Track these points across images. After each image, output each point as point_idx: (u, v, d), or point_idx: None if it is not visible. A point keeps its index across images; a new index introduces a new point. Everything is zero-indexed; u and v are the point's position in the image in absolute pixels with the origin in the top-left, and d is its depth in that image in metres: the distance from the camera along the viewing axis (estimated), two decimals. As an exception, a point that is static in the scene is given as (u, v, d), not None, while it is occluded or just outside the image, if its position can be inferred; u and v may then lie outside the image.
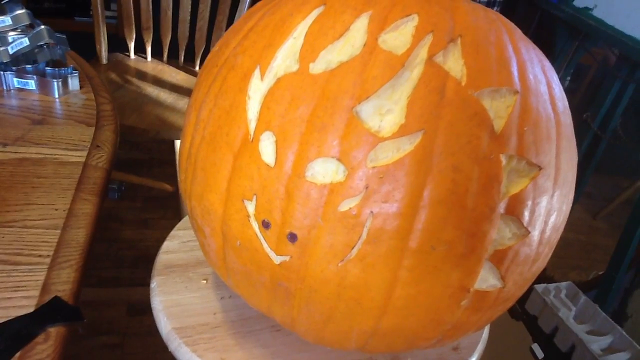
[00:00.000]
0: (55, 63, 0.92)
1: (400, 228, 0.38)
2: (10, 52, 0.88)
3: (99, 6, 1.52)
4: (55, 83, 0.86)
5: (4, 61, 0.87)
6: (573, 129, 0.46)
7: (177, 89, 1.54)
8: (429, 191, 0.38)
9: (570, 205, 0.47)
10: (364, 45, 0.40)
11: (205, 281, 0.60)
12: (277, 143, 0.40)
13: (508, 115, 0.39)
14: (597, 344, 1.35)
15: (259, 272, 0.43)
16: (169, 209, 1.80)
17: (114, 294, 1.47)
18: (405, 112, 0.38)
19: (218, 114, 0.44)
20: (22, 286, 0.53)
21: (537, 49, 0.46)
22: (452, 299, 0.41)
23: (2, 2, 0.94)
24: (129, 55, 1.65)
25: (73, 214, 0.64)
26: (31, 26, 0.92)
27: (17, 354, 0.47)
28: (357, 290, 0.41)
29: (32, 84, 0.86)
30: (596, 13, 1.44)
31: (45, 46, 0.91)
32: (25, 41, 0.88)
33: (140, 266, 1.57)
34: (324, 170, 0.39)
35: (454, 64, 0.39)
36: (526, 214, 0.41)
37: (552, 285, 1.51)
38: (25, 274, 0.55)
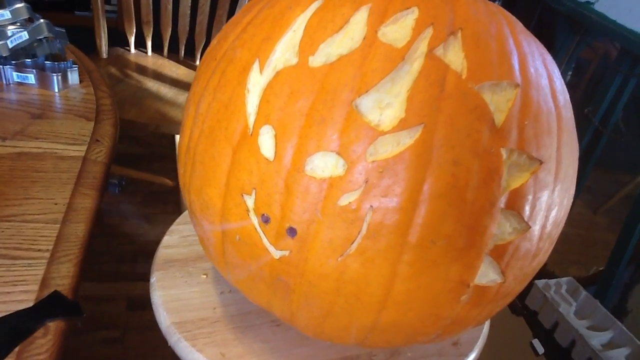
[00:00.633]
0: (54, 57, 0.91)
1: (400, 222, 0.38)
2: (10, 45, 0.87)
3: (98, 0, 1.51)
4: (55, 77, 0.85)
5: (3, 55, 0.87)
6: (574, 123, 0.46)
7: (177, 83, 1.54)
8: (429, 185, 0.38)
9: (572, 199, 0.46)
10: (364, 38, 0.40)
11: (205, 276, 0.60)
12: (276, 137, 0.40)
13: (509, 109, 0.39)
14: (597, 339, 1.35)
15: (258, 267, 0.43)
16: (169, 203, 1.80)
17: (114, 289, 1.47)
18: (405, 105, 0.38)
19: (217, 107, 0.43)
20: (22, 280, 0.53)
21: (538, 42, 0.46)
22: (451, 294, 0.41)
23: (1, -4, 0.93)
24: (129, 50, 1.65)
25: (72, 208, 0.63)
26: (30, 20, 0.91)
27: (16, 349, 0.47)
28: (356, 285, 0.41)
29: (31, 78, 0.86)
30: (597, 7, 1.44)
31: (44, 40, 0.91)
32: (25, 35, 0.88)
33: (140, 261, 1.57)
34: (324, 164, 0.39)
35: (455, 57, 0.39)
36: (527, 208, 0.40)
37: (552, 281, 1.51)
38: (24, 268, 0.55)
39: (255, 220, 0.42)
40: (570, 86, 0.47)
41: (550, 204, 0.42)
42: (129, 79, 1.51)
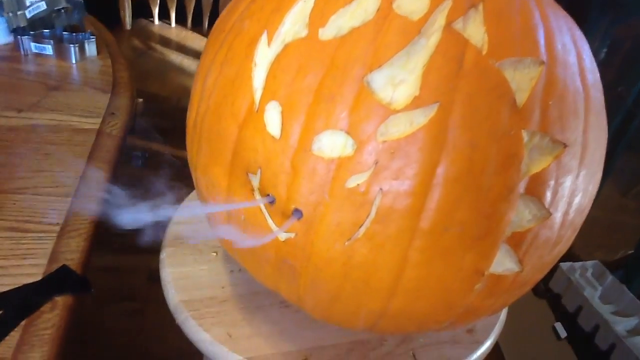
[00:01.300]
0: (72, 28, 0.91)
1: (411, 207, 0.36)
2: (28, 16, 0.86)
3: (122, -29, 1.50)
4: (73, 48, 0.85)
5: (22, 25, 0.86)
6: (604, 104, 0.43)
7: (200, 55, 1.52)
8: (443, 168, 0.35)
9: (598, 185, 0.44)
10: (378, 9, 0.37)
11: (215, 254, 0.59)
12: (283, 114, 0.38)
13: (532, 88, 0.36)
14: (622, 325, 1.32)
15: (264, 249, 0.42)
16: (184, 178, 1.80)
17: (135, 261, 1.49)
18: (420, 82, 0.35)
19: (223, 82, 0.42)
20: (31, 254, 0.53)
21: (567, 16, 0.42)
22: (465, 283, 0.39)
23: (21, -35, 0.92)
24: (152, 21, 1.64)
25: (85, 181, 0.63)
26: (49, -10, 0.90)
27: (23, 323, 0.47)
28: (364, 270, 0.39)
29: (49, 48, 0.85)
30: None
31: (62, 11, 0.90)
32: (43, 5, 0.87)
33: (161, 233, 1.57)
34: (332, 144, 0.37)
35: (475, 31, 0.36)
36: (548, 194, 0.38)
37: (577, 264, 1.47)
38: (34, 241, 0.54)
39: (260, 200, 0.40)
40: (604, 64, 0.44)
41: (574, 190, 0.40)
42: (152, 51, 1.50)
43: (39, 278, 0.51)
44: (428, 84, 0.35)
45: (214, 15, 1.60)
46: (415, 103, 0.35)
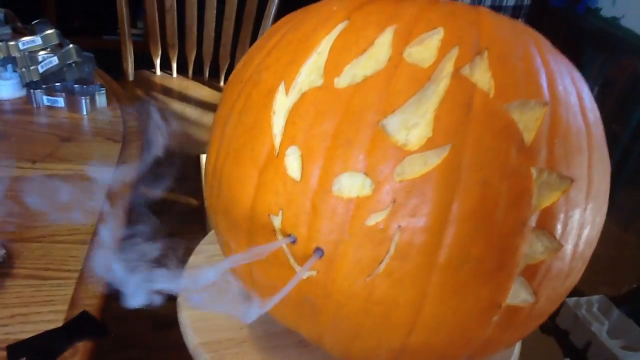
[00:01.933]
0: (83, 81, 0.93)
1: (428, 243, 0.38)
2: (40, 70, 0.90)
3: (125, 24, 1.55)
4: (84, 100, 0.87)
5: (34, 80, 0.89)
6: (605, 141, 0.45)
7: (202, 104, 1.55)
8: (458, 205, 0.37)
9: (604, 218, 0.45)
10: (389, 59, 0.40)
11: (231, 296, 0.60)
12: (302, 158, 0.40)
13: (537, 128, 0.39)
14: (632, 359, 1.32)
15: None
16: (193, 223, 1.81)
17: (139, 309, 1.48)
18: (432, 125, 0.38)
19: (242, 130, 0.44)
20: (51, 301, 0.54)
21: (566, 60, 0.45)
22: (483, 315, 0.40)
23: (33, 23, 0.96)
24: (154, 72, 1.68)
25: (101, 229, 0.64)
26: (60, 45, 0.94)
27: (46, 369, 0.48)
28: (385, 306, 0.40)
29: (61, 101, 0.88)
30: (624, 22, 1.42)
31: (73, 64, 0.93)
32: (55, 60, 0.90)
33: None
34: (351, 185, 0.39)
35: (481, 76, 0.39)
36: (558, 227, 0.40)
37: (583, 299, 1.48)
38: (54, 288, 0.55)
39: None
40: (597, 102, 0.46)
41: (583, 223, 0.41)
42: (154, 101, 1.53)
43: (59, 324, 0.52)
44: (440, 127, 0.38)
45: (214, 65, 1.64)
46: (429, 145, 0.37)
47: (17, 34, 0.95)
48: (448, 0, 0.44)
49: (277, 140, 0.41)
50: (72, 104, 0.88)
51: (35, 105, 0.88)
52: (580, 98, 0.43)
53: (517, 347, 0.59)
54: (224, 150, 0.45)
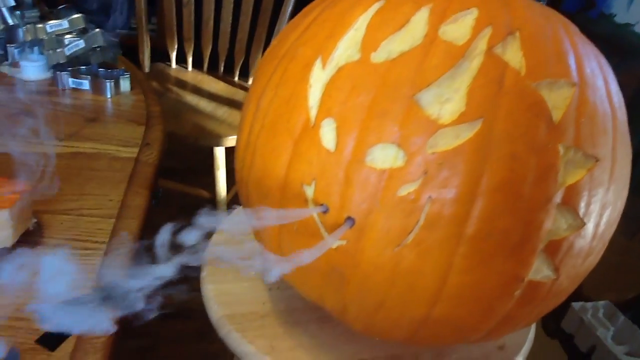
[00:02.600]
0: (107, 65, 0.95)
1: (457, 214, 0.39)
2: (67, 53, 0.91)
3: (143, 17, 1.57)
4: (108, 84, 0.89)
5: (61, 62, 0.91)
6: (628, 126, 0.47)
7: (216, 97, 1.57)
8: (487, 178, 0.39)
9: (624, 201, 0.47)
10: (425, 36, 0.41)
11: (254, 273, 0.62)
12: (337, 129, 0.41)
13: (566, 107, 0.40)
14: (636, 365, 1.32)
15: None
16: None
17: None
18: (465, 100, 0.39)
19: (278, 102, 0.45)
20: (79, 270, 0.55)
21: (593, 46, 0.46)
22: (505, 289, 0.42)
23: (59, 7, 0.98)
24: (170, 65, 1.69)
25: (126, 205, 0.66)
26: (85, 30, 0.96)
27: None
28: (411, 276, 0.41)
29: (86, 84, 0.90)
30: (638, 29, 1.43)
31: (98, 49, 0.95)
32: (81, 43, 0.92)
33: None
34: (384, 156, 0.40)
35: (513, 55, 0.40)
36: (582, 205, 0.41)
37: (589, 304, 1.48)
38: (82, 258, 0.57)
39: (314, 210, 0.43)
40: None
41: (605, 203, 0.43)
42: (169, 93, 1.55)
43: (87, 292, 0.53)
44: (472, 102, 0.39)
45: (230, 60, 1.66)
46: (461, 118, 0.39)
47: (44, 17, 0.97)
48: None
49: (313, 112, 0.43)
50: (97, 87, 0.89)
51: (60, 87, 0.89)
52: (606, 82, 0.44)
53: (532, 331, 0.60)
54: (259, 123, 0.47)
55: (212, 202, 1.60)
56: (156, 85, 1.58)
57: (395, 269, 0.41)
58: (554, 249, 0.41)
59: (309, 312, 0.57)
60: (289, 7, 1.55)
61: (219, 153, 1.47)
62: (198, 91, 1.61)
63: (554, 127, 0.39)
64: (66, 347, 0.48)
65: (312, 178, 0.43)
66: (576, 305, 1.48)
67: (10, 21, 0.92)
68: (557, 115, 0.40)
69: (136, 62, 1.60)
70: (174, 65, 1.70)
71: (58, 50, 0.91)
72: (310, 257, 0.42)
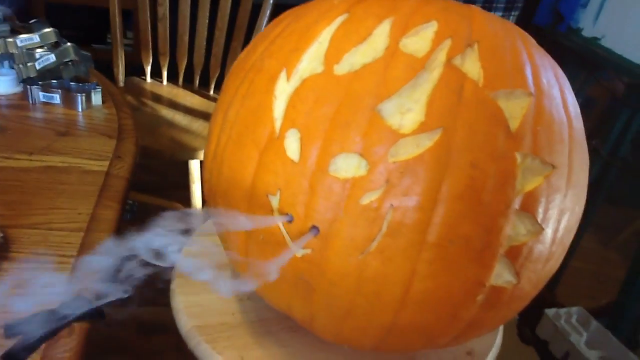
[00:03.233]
0: (79, 79, 0.95)
1: (419, 221, 0.40)
2: (37, 67, 0.91)
3: (118, 32, 1.57)
4: (79, 97, 0.89)
5: (31, 76, 0.90)
6: (584, 134, 0.48)
7: (191, 111, 1.57)
8: (447, 186, 0.40)
9: (583, 208, 0.48)
10: (386, 48, 0.42)
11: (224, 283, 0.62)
12: (301, 140, 0.42)
13: (523, 116, 0.41)
14: (609, 371, 1.34)
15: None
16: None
17: (124, 313, 1.48)
18: (425, 110, 0.40)
19: (245, 114, 0.46)
20: (48, 284, 0.55)
21: (549, 57, 0.48)
22: (468, 294, 0.43)
23: (30, 22, 0.98)
24: (145, 79, 1.69)
25: (96, 218, 0.65)
26: (57, 44, 0.95)
27: (43, 346, 0.49)
28: (376, 283, 0.42)
29: (57, 97, 0.89)
30: (604, 43, 1.47)
31: (70, 63, 0.95)
32: (52, 57, 0.92)
33: (149, 286, 1.57)
34: (347, 165, 0.41)
35: (472, 66, 0.41)
36: (540, 211, 0.42)
37: (562, 310, 1.51)
38: (49, 272, 0.56)
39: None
40: None
41: (563, 209, 0.44)
42: (144, 107, 1.55)
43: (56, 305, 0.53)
44: (432, 112, 0.40)
45: (205, 74, 1.66)
46: (422, 128, 0.40)
47: (15, 32, 0.97)
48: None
49: (278, 123, 0.44)
50: (68, 101, 0.89)
51: (31, 101, 0.89)
52: (562, 92, 0.45)
53: (499, 337, 0.61)
54: (226, 134, 0.47)
55: (188, 215, 1.59)
56: (131, 100, 1.57)
57: (360, 276, 0.42)
58: (514, 254, 0.42)
59: (279, 321, 0.57)
60: (264, 22, 1.56)
61: (195, 166, 1.46)
62: (173, 105, 1.61)
63: (511, 136, 0.41)
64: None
65: (277, 188, 0.43)
66: (550, 312, 1.50)
67: (-21, 35, 0.91)
68: (514, 124, 0.41)
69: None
70: (149, 79, 1.70)
71: (29, 64, 0.90)
72: (276, 267, 0.43)
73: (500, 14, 1.72)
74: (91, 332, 0.52)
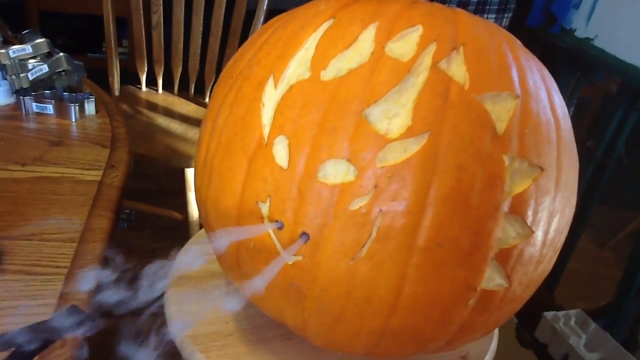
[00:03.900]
0: (72, 88, 0.95)
1: (408, 225, 0.40)
2: (30, 78, 0.91)
3: (112, 40, 1.57)
4: (73, 107, 0.89)
5: (24, 87, 0.90)
6: (573, 135, 0.48)
7: (187, 119, 1.57)
8: (435, 189, 0.40)
9: (573, 209, 0.48)
10: (372, 53, 0.42)
11: (217, 292, 0.62)
12: (290, 146, 0.42)
13: (509, 118, 0.41)
14: (608, 372, 1.34)
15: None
16: (178, 238, 1.81)
17: (121, 323, 1.47)
18: (411, 114, 0.40)
19: (233, 121, 0.46)
20: (40, 295, 0.55)
21: (536, 59, 0.48)
22: (459, 298, 0.43)
23: (23, 32, 0.98)
24: (140, 88, 1.69)
25: (89, 228, 0.65)
26: (50, 54, 0.96)
27: (35, 359, 0.49)
28: (366, 288, 0.42)
29: (50, 108, 0.89)
30: (597, 43, 1.47)
31: (63, 73, 0.95)
32: (45, 68, 0.92)
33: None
34: (335, 171, 0.41)
35: (457, 70, 0.41)
36: (529, 213, 0.42)
37: (561, 313, 1.50)
38: (43, 283, 0.56)
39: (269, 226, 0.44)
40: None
41: (552, 211, 0.44)
42: (139, 115, 1.55)
43: (49, 317, 0.53)
44: (419, 116, 0.40)
45: (200, 81, 1.66)
46: (408, 132, 0.40)
47: (7, 42, 0.97)
48: (427, 1, 0.47)
49: (266, 130, 0.44)
50: (61, 111, 0.89)
51: (24, 112, 0.89)
52: (549, 93, 0.46)
53: (494, 342, 0.61)
54: (215, 142, 0.47)
55: (184, 223, 1.60)
56: (126, 108, 1.58)
57: (351, 281, 0.42)
58: (504, 257, 0.42)
59: (272, 329, 0.57)
60: (257, 28, 1.56)
61: (190, 174, 1.46)
62: (169, 113, 1.62)
63: (498, 139, 0.41)
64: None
65: (266, 195, 0.43)
66: (548, 314, 1.49)
67: (-28, 47, 0.91)
68: (501, 127, 0.41)
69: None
70: (144, 87, 1.70)
71: (21, 75, 0.90)
72: (268, 275, 0.43)
73: (493, 16, 1.73)
74: (84, 343, 0.52)
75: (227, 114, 0.47)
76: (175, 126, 1.54)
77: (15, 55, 0.91)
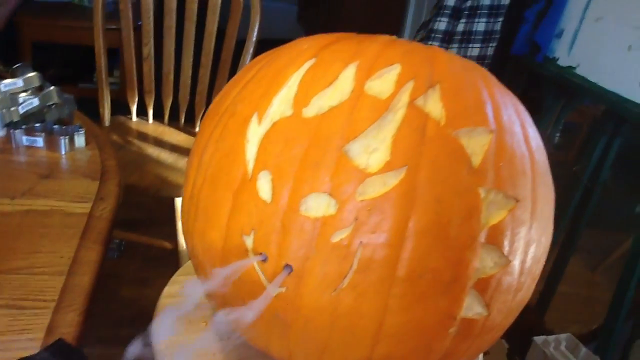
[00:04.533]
0: (62, 121, 0.96)
1: (388, 257, 0.41)
2: (21, 111, 0.92)
3: (103, 71, 1.59)
4: (62, 140, 0.90)
5: (15, 120, 0.92)
6: (548, 166, 0.50)
7: (177, 149, 1.58)
8: (414, 222, 0.41)
9: (550, 238, 0.49)
10: (352, 91, 0.44)
11: (204, 324, 0.62)
12: (273, 181, 0.44)
13: (485, 152, 0.43)
14: (599, 396, 1.34)
15: (257, 305, 0.46)
16: (168, 267, 1.80)
17: (112, 354, 1.46)
18: (390, 149, 0.42)
19: (219, 156, 0.47)
20: (28, 329, 0.55)
21: (511, 94, 0.50)
22: (440, 327, 0.44)
23: (14, 66, 1.00)
24: (130, 118, 1.71)
25: (78, 261, 0.66)
26: (41, 87, 0.97)
27: (22, 392, 0.49)
28: (349, 319, 0.43)
29: (40, 141, 0.90)
30: (579, 71, 1.51)
31: (53, 106, 0.96)
32: (35, 101, 0.93)
33: (138, 325, 1.56)
34: (317, 205, 0.42)
35: (434, 106, 0.43)
36: (506, 243, 0.43)
37: (551, 337, 1.51)
38: (31, 317, 0.57)
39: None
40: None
41: (529, 240, 0.45)
42: (130, 145, 1.56)
43: (36, 351, 0.53)
44: (397, 151, 0.42)
45: (190, 112, 1.68)
46: (387, 167, 0.42)
47: (-1, 77, 0.98)
48: (406, 40, 0.49)
49: (250, 166, 0.45)
50: (51, 144, 0.90)
51: (14, 145, 0.90)
52: (523, 127, 0.47)
53: (479, 368, 0.62)
54: (201, 177, 0.49)
55: (174, 253, 1.60)
56: (117, 138, 1.59)
57: (334, 312, 0.43)
58: (483, 287, 0.44)
59: (260, 360, 0.58)
60: (247, 58, 1.59)
61: (180, 203, 1.47)
62: (159, 143, 1.63)
63: (474, 172, 0.42)
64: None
65: (251, 228, 0.44)
66: (539, 339, 1.50)
67: (-37, 81, 0.93)
68: (476, 161, 0.43)
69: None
70: (134, 117, 1.72)
71: (12, 108, 0.92)
72: (253, 307, 0.44)
73: (479, 45, 1.77)
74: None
75: (213, 149, 0.48)
76: (166, 156, 1.55)
77: (7, 89, 0.92)
